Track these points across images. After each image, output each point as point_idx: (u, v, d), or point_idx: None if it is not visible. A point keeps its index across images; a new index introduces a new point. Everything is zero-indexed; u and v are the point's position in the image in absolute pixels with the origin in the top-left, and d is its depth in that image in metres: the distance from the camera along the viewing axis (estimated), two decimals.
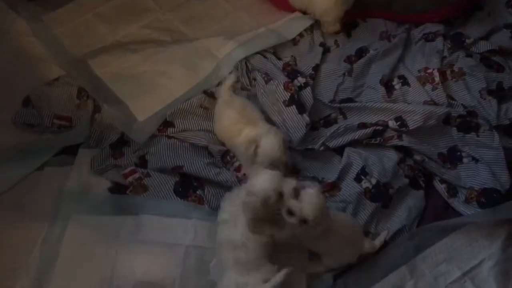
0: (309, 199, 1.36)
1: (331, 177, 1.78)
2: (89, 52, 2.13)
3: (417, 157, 1.80)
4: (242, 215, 1.43)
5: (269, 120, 1.89)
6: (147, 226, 1.64)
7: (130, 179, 1.78)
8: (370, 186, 1.74)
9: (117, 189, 1.78)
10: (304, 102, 1.91)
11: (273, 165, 1.63)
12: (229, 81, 1.93)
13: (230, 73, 2.03)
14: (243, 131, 1.73)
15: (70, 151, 1.86)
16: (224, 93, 1.90)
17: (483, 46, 2.05)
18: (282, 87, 1.92)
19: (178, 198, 1.74)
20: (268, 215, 1.42)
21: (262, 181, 1.40)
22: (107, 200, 1.74)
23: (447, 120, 1.87)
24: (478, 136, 1.83)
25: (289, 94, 1.90)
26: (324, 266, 1.59)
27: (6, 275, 1.55)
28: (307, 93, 1.93)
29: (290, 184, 1.40)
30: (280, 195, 1.38)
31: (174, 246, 1.59)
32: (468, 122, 1.86)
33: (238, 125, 1.76)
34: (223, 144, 1.85)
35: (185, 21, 2.26)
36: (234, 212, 1.47)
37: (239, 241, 1.41)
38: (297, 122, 1.85)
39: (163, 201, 1.74)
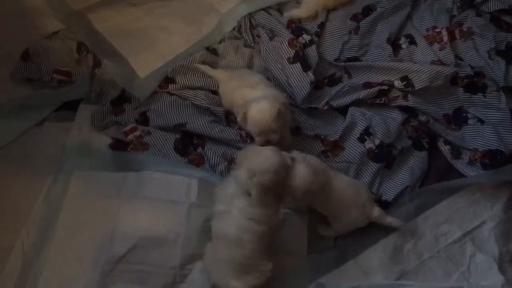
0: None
1: (334, 135, 1.76)
2: (89, 5, 2.06)
3: (422, 118, 1.78)
4: (236, 206, 1.39)
5: (272, 79, 1.85)
6: (149, 182, 1.64)
7: (130, 137, 1.77)
8: (374, 147, 1.73)
9: (118, 145, 1.77)
10: (309, 59, 1.88)
11: (263, 133, 1.56)
12: (210, 71, 1.89)
13: (235, 37, 1.99)
14: (244, 94, 1.69)
15: (70, 107, 1.84)
16: (220, 77, 1.85)
17: (494, 5, 2.00)
18: (287, 44, 1.88)
19: (179, 156, 1.74)
20: (277, 188, 1.41)
21: (267, 158, 1.39)
22: (109, 156, 1.73)
23: (454, 80, 1.84)
24: (485, 97, 1.80)
25: (294, 51, 1.86)
26: (334, 230, 1.60)
27: (9, 228, 1.57)
28: (312, 51, 1.90)
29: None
30: (287, 168, 1.40)
31: (177, 203, 1.59)
32: (475, 83, 1.83)
33: (239, 90, 1.72)
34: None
35: None
36: (227, 203, 1.43)
37: (234, 235, 1.37)
38: (301, 79, 1.82)
39: (164, 159, 1.73)
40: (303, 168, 1.43)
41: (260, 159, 1.39)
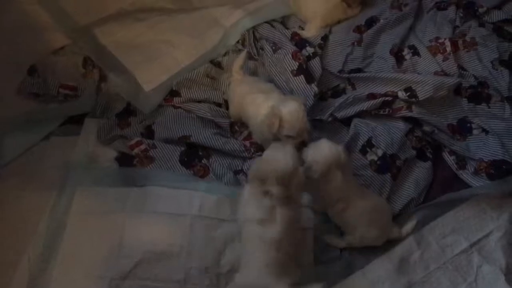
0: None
1: None
2: (94, 20, 2.09)
3: (427, 128, 1.78)
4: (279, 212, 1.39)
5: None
6: (153, 197, 1.64)
7: (136, 150, 1.78)
8: (376, 158, 1.73)
9: (124, 159, 1.78)
10: (313, 71, 1.89)
11: (299, 135, 1.58)
12: (240, 61, 1.85)
13: (239, 50, 2.00)
14: (256, 100, 1.70)
15: (76, 121, 1.86)
16: (235, 72, 1.85)
17: (496, 16, 2.01)
18: (290, 56, 1.90)
19: (184, 168, 1.75)
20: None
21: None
22: (114, 171, 1.74)
23: (457, 90, 1.84)
24: (489, 107, 1.81)
25: (298, 64, 1.88)
26: (346, 242, 1.59)
27: (14, 242, 1.57)
28: (315, 63, 1.91)
29: None
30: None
31: (180, 216, 1.59)
32: (479, 93, 1.83)
33: (250, 95, 1.73)
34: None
35: None
36: (266, 208, 1.40)
37: (277, 237, 1.36)
38: (305, 92, 1.83)
39: (169, 172, 1.74)
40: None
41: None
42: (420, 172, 1.75)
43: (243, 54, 1.87)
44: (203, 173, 1.74)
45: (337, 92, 1.92)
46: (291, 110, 1.56)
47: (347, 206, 1.52)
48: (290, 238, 1.39)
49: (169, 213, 1.59)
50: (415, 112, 1.78)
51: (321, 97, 1.88)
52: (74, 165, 1.73)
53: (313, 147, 1.52)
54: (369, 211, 1.53)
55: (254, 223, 1.39)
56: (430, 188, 1.75)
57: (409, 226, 1.60)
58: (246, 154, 1.77)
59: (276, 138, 1.61)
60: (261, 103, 1.67)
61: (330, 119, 1.81)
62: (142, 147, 1.79)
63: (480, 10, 2.02)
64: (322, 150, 1.50)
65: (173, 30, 2.05)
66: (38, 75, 1.92)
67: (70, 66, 1.96)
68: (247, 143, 1.79)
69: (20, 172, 1.73)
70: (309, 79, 1.86)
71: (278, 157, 1.42)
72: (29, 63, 1.95)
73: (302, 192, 1.50)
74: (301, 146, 1.59)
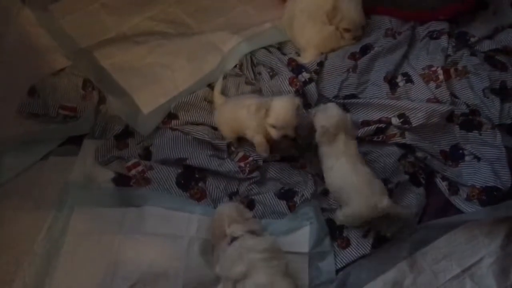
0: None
1: None
2: (95, 43, 2.14)
3: (419, 154, 1.81)
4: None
5: None
6: (150, 218, 1.66)
7: (133, 171, 1.80)
8: None
9: (121, 180, 1.79)
10: (309, 97, 1.93)
11: (284, 128, 1.67)
12: (218, 87, 1.97)
13: (236, 74, 2.06)
14: (245, 102, 1.75)
15: (75, 141, 1.88)
16: (217, 99, 1.94)
17: (488, 45, 2.06)
18: (287, 82, 1.94)
19: (181, 191, 1.76)
20: None
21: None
22: (111, 191, 1.75)
23: (450, 118, 1.88)
24: (480, 134, 1.84)
25: (294, 89, 1.92)
26: (342, 214, 1.64)
27: (10, 262, 1.58)
28: (312, 88, 1.95)
29: None
30: None
31: (177, 238, 1.61)
32: (470, 120, 1.87)
33: (239, 104, 1.79)
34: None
35: (190, 13, 2.27)
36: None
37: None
38: (302, 117, 1.83)
39: (166, 194, 1.75)
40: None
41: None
42: (413, 197, 1.76)
43: (220, 80, 1.97)
44: (200, 196, 1.75)
45: None
46: (281, 102, 1.68)
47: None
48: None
49: (167, 234, 1.61)
50: (408, 139, 1.81)
51: None
52: (71, 185, 1.74)
53: (322, 110, 1.68)
54: (359, 177, 1.60)
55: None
56: (423, 213, 1.76)
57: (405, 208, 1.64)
58: (241, 175, 1.78)
59: (269, 138, 1.73)
60: (250, 104, 1.72)
61: None
62: (139, 168, 1.81)
63: (472, 39, 2.06)
64: (331, 113, 1.66)
65: (172, 54, 2.09)
66: (38, 96, 1.95)
67: (70, 87, 1.99)
68: (242, 164, 1.81)
69: (17, 191, 1.75)
70: (306, 104, 1.89)
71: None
72: (29, 84, 1.98)
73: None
74: (284, 139, 1.73)
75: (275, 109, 1.67)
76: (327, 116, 1.66)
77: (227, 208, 1.56)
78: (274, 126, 1.68)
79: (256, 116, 1.69)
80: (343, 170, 1.62)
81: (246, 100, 1.77)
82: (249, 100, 1.75)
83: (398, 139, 1.82)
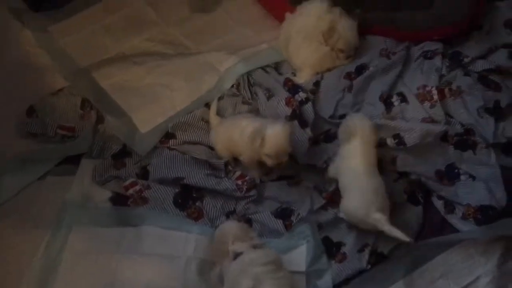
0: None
1: (330, 188, 1.81)
2: (93, 63, 2.16)
3: (413, 177, 1.82)
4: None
5: None
6: (148, 237, 1.66)
7: (130, 191, 1.81)
8: None
9: (118, 199, 1.80)
10: (306, 116, 1.94)
11: (278, 159, 1.69)
12: (214, 108, 1.99)
13: (233, 94, 2.08)
14: (241, 124, 1.77)
15: (73, 161, 1.89)
16: (212, 119, 1.96)
17: (481, 65, 2.08)
18: (284, 103, 1.96)
19: (178, 210, 1.77)
20: None
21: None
22: (109, 211, 1.76)
23: (444, 138, 1.89)
24: (475, 154, 1.85)
25: (291, 110, 1.94)
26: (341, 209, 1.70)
27: (8, 282, 1.58)
28: (308, 108, 1.96)
29: None
30: None
31: (175, 258, 1.61)
32: (465, 140, 1.88)
33: (233, 124, 1.82)
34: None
35: (188, 34, 2.30)
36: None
37: None
38: (299, 136, 1.87)
39: (163, 214, 1.76)
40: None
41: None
42: (412, 215, 1.77)
43: (215, 101, 2.00)
44: (197, 216, 1.76)
45: (329, 136, 1.95)
46: (275, 132, 1.68)
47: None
48: None
49: (164, 254, 1.61)
50: (399, 167, 1.83)
51: (314, 141, 1.92)
52: (69, 204, 1.75)
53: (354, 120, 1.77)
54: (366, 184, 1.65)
55: None
56: (420, 231, 1.76)
57: (398, 232, 1.60)
58: (239, 193, 1.79)
59: (260, 159, 1.74)
60: (246, 126, 1.75)
61: (324, 165, 1.85)
62: (137, 187, 1.82)
63: (466, 59, 2.08)
64: (356, 116, 1.81)
65: (170, 74, 2.11)
66: (37, 116, 1.97)
67: (68, 107, 2.01)
68: (240, 181, 1.82)
69: (15, 211, 1.75)
70: (303, 124, 1.91)
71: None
72: (28, 103, 1.99)
73: None
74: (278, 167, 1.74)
75: (269, 139, 1.67)
76: (352, 116, 1.81)
77: (231, 226, 1.57)
78: (269, 156, 1.70)
79: (251, 145, 1.70)
80: (356, 169, 1.68)
81: (242, 121, 1.79)
82: (245, 121, 1.78)
83: (389, 168, 1.83)
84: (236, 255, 1.46)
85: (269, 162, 1.72)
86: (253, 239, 1.53)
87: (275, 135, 1.68)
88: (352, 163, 1.70)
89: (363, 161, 1.69)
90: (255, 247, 1.48)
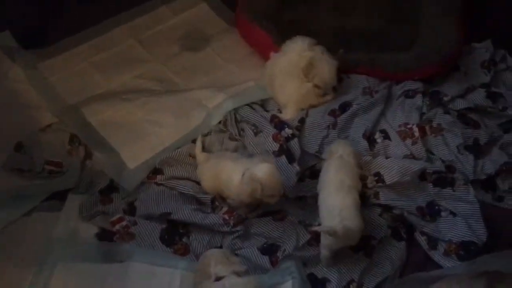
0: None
1: (314, 222, 1.81)
2: (82, 100, 2.18)
3: (396, 211, 1.86)
4: None
5: None
6: (133, 274, 1.66)
7: (117, 227, 1.81)
8: None
9: (105, 235, 1.80)
10: (293, 152, 1.98)
11: (277, 194, 1.76)
12: (199, 145, 2.02)
13: (220, 130, 2.12)
14: (225, 168, 1.81)
15: (59, 196, 1.89)
16: (198, 156, 1.99)
17: (460, 104, 2.15)
18: (271, 139, 2.00)
19: (164, 246, 1.77)
20: None
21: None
22: (95, 247, 1.75)
23: (423, 176, 1.93)
24: (454, 190, 1.89)
25: (278, 145, 1.98)
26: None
27: None
28: (294, 144, 2.00)
29: None
30: None
31: None
32: (444, 178, 1.92)
33: (219, 164, 1.84)
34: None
35: (177, 72, 2.35)
36: None
37: None
38: (287, 171, 1.91)
39: (149, 250, 1.76)
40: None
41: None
42: (395, 251, 1.79)
43: (199, 138, 2.03)
44: (183, 252, 1.76)
45: (314, 173, 1.98)
46: (267, 174, 1.71)
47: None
48: None
49: None
50: (383, 199, 1.86)
51: (299, 178, 1.94)
52: (55, 241, 1.74)
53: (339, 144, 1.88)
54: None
55: None
56: (404, 267, 1.78)
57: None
58: (226, 228, 1.80)
59: (253, 201, 1.77)
60: (232, 170, 1.79)
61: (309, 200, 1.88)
62: (124, 223, 1.82)
63: (445, 98, 2.15)
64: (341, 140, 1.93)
65: (159, 111, 2.15)
66: (25, 152, 1.98)
67: (56, 143, 2.02)
68: (226, 216, 1.83)
69: (0, 247, 1.73)
70: (290, 159, 1.94)
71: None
72: (16, 139, 2.00)
73: None
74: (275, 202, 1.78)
75: (266, 182, 1.70)
76: (338, 141, 1.95)
77: (215, 251, 1.60)
78: (270, 196, 1.75)
79: (250, 192, 1.73)
80: (329, 183, 1.75)
81: (227, 163, 1.83)
82: (230, 164, 1.82)
83: (373, 200, 1.87)
84: (218, 278, 1.47)
85: (272, 201, 1.76)
86: (236, 264, 1.55)
87: (269, 176, 1.71)
88: (326, 177, 1.77)
89: (336, 175, 1.75)
90: (237, 273, 1.49)
